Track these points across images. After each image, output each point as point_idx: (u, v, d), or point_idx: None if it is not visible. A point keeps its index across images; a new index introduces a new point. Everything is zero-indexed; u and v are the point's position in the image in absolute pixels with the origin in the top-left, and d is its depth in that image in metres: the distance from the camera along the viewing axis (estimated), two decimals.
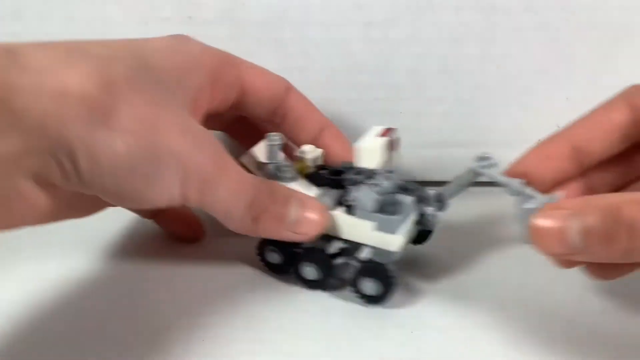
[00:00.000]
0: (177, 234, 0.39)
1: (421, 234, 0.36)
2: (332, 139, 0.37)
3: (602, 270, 0.29)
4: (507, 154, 0.33)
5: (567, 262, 0.29)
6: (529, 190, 0.29)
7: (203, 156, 0.29)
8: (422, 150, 0.43)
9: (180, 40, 0.32)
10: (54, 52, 0.26)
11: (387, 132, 0.33)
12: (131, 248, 0.39)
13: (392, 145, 0.33)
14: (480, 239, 0.39)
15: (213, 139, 0.30)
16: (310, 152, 0.35)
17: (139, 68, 0.28)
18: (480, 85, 0.42)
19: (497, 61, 0.41)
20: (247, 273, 0.36)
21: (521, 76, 0.42)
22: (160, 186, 0.27)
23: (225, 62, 0.34)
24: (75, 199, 0.28)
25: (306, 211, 0.32)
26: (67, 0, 0.40)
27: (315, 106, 0.38)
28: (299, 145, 0.37)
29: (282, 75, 0.38)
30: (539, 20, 0.40)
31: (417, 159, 0.44)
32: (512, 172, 0.31)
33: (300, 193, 0.33)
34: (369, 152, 0.32)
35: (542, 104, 0.42)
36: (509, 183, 0.30)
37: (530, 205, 0.28)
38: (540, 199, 0.29)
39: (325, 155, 0.36)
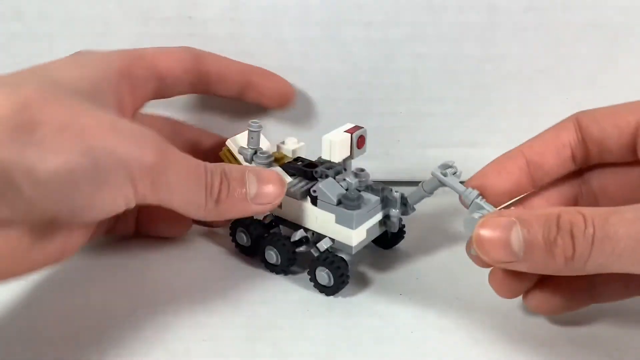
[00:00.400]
0: (164, 232, 0.39)
1: (392, 239, 0.37)
2: (260, 78, 0.38)
3: (544, 301, 0.30)
4: None
5: (512, 287, 0.29)
6: (481, 201, 0.30)
7: (142, 149, 0.27)
8: (422, 150, 0.43)
9: (81, 54, 0.33)
10: None
11: (355, 129, 0.35)
12: (122, 246, 0.39)
13: (358, 143, 0.35)
14: None
15: (149, 131, 0.28)
16: (290, 143, 0.37)
17: (50, 85, 0.28)
18: (480, 85, 0.42)
19: (497, 61, 0.41)
20: (246, 272, 0.36)
21: (521, 76, 0.42)
22: (110, 188, 0.26)
23: (132, 58, 0.34)
24: (39, 236, 0.26)
25: (264, 182, 0.32)
26: (67, 0, 0.40)
27: (232, 59, 0.39)
28: (238, 99, 0.38)
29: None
30: (539, 20, 0.40)
31: (417, 159, 0.44)
32: (470, 183, 0.32)
33: (253, 167, 0.34)
34: (329, 144, 0.34)
35: (542, 104, 0.42)
36: (464, 193, 0.31)
37: (476, 214, 0.29)
38: (489, 210, 0.30)
39: (261, 94, 0.38)
